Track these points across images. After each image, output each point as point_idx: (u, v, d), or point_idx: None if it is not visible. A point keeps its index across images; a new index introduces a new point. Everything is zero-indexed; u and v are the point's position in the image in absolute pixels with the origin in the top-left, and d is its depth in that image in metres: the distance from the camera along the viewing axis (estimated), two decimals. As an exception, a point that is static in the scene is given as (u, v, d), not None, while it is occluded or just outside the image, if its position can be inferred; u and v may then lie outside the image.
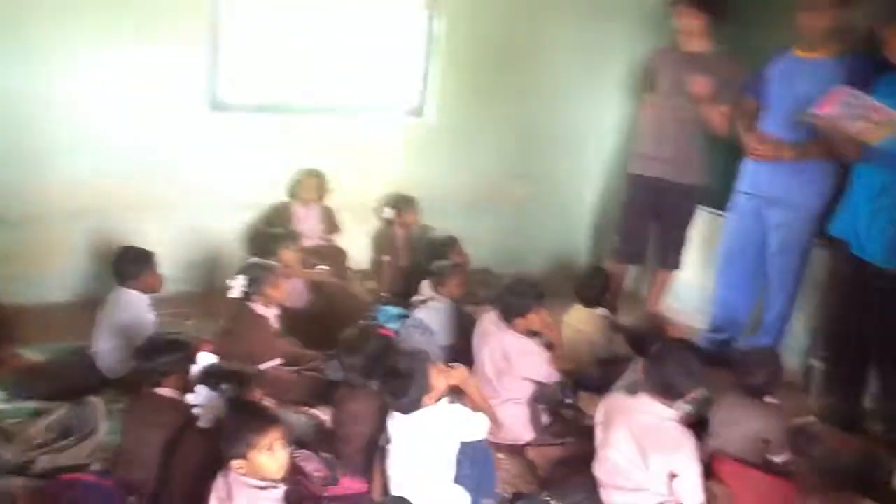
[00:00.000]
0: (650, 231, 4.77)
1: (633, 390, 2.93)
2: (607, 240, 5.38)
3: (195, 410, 2.73)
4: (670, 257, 4.74)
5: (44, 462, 2.99)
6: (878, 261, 3.34)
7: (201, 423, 2.70)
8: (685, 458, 2.74)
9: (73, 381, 3.57)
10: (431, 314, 4.06)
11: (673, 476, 2.74)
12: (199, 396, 2.73)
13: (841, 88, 3.23)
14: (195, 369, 2.82)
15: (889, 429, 3.50)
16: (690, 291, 5.09)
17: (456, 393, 3.02)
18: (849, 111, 3.21)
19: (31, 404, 3.43)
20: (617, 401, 2.95)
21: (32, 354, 3.88)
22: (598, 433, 2.95)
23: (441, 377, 2.84)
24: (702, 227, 4.85)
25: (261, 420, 2.51)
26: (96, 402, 3.31)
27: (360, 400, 3.02)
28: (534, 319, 3.44)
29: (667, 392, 2.79)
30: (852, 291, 3.53)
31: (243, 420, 2.49)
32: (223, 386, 2.75)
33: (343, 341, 3.12)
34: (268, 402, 3.00)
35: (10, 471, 2.95)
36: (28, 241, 4.46)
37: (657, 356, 2.86)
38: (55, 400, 3.41)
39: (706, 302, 4.70)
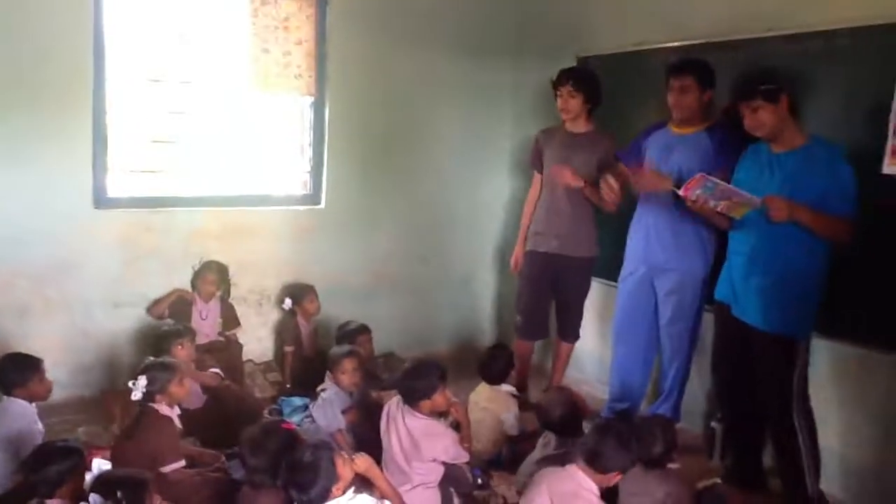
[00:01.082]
0: (550, 305, 4.88)
1: (555, 462, 2.97)
2: (509, 317, 5.47)
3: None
4: (570, 330, 4.86)
5: None
6: (755, 323, 3.52)
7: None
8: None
9: (-50, 501, 3.33)
10: (325, 403, 4.02)
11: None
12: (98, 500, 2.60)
13: (700, 175, 3.49)
14: (89, 478, 2.69)
15: (785, 485, 3.62)
16: (591, 362, 5.22)
17: (363, 482, 2.97)
18: (709, 194, 3.48)
19: None
20: (539, 469, 2.99)
21: None
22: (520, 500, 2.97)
23: (347, 466, 2.80)
24: (597, 297, 5.00)
25: None
26: (-22, 521, 3.09)
27: (264, 500, 2.92)
28: (438, 400, 3.44)
29: (600, 466, 2.85)
30: (737, 353, 3.70)
31: None
32: (119, 493, 2.62)
33: (245, 440, 3.03)
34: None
35: None
36: None
37: (599, 431, 2.93)
38: (-65, 523, 3.18)
39: (606, 371, 4.82)
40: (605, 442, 2.88)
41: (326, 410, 4.00)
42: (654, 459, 3.21)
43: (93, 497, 2.62)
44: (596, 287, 4.92)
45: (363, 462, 2.93)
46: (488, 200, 5.87)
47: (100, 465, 2.74)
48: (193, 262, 4.78)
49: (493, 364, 4.22)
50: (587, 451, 2.90)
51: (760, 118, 3.41)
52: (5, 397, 3.56)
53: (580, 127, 4.61)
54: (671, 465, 3.29)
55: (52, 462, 2.84)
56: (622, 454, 2.89)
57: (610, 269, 4.64)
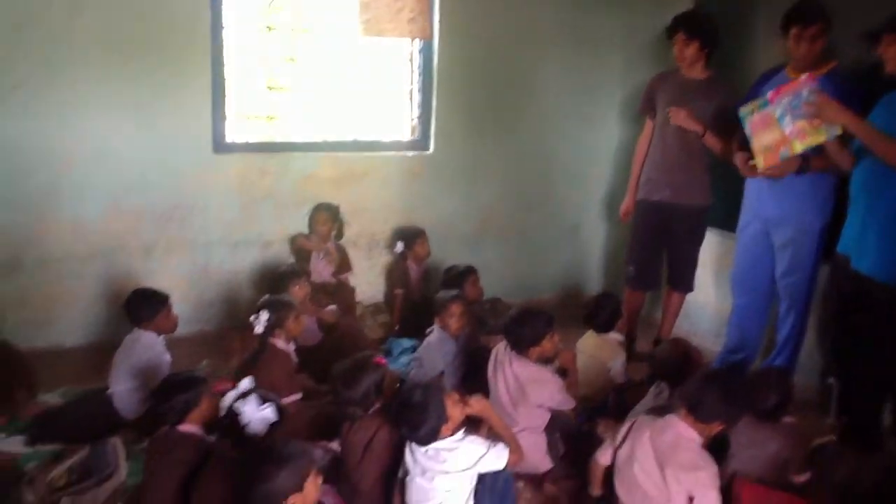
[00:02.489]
0: (662, 256, 4.79)
1: (659, 413, 2.93)
2: (619, 267, 5.40)
3: (243, 424, 2.77)
4: (683, 280, 4.76)
5: (66, 504, 3.01)
6: (873, 273, 3.35)
7: (250, 431, 2.77)
8: (703, 481, 2.73)
9: (91, 423, 3.59)
10: (431, 346, 4.09)
11: (691, 499, 2.73)
12: (247, 414, 2.77)
13: (805, 80, 3.33)
14: (230, 396, 2.86)
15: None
16: (703, 314, 5.10)
17: (473, 424, 3.02)
18: (792, 109, 3.36)
19: (52, 447, 3.46)
20: (640, 420, 2.95)
21: (50, 398, 3.92)
22: (620, 453, 2.94)
23: (457, 408, 2.85)
24: (712, 248, 4.86)
25: (307, 451, 2.54)
26: (116, 443, 3.33)
27: (362, 432, 3.02)
28: (546, 347, 3.45)
29: (700, 415, 2.80)
30: (855, 307, 3.53)
31: (296, 452, 2.49)
32: (266, 405, 2.78)
33: (338, 373, 3.13)
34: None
35: (34, 515, 2.98)
36: (43, 286, 4.52)
37: (702, 380, 2.88)
38: (75, 442, 3.43)
39: (720, 324, 4.71)
40: (707, 391, 2.80)
41: (432, 353, 4.07)
42: (767, 411, 3.13)
43: (246, 403, 2.79)
44: (710, 237, 4.78)
45: (478, 403, 2.96)
46: (596, 148, 5.75)
47: (246, 382, 2.89)
48: (306, 206, 4.92)
49: (600, 312, 4.18)
50: (688, 399, 2.84)
51: None
52: (135, 329, 3.80)
53: (697, 73, 4.45)
54: (786, 420, 3.20)
55: (179, 391, 3.01)
56: (724, 405, 2.80)
57: (725, 218, 4.50)
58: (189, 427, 2.97)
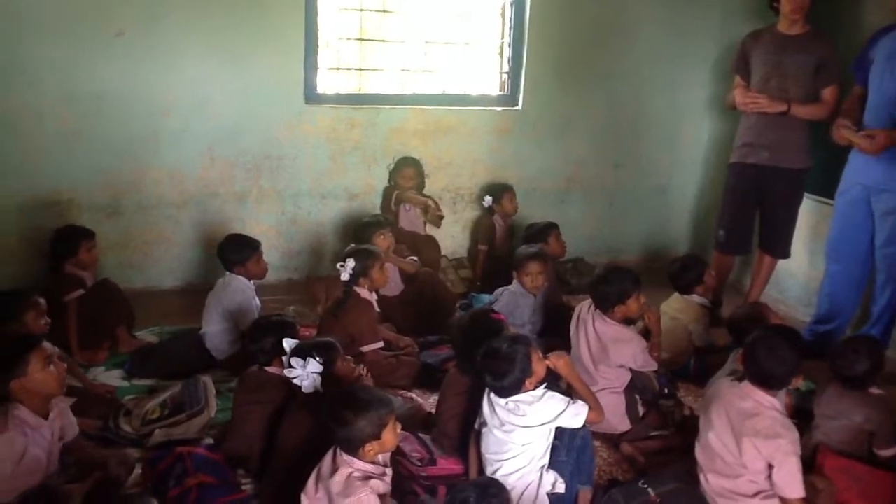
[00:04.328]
0: (754, 220, 4.64)
1: (737, 378, 2.87)
2: (707, 230, 5.27)
3: (294, 382, 2.84)
4: (777, 246, 4.59)
5: (159, 436, 3.17)
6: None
7: (305, 390, 2.82)
8: (784, 448, 2.66)
9: (184, 361, 3.76)
10: (507, 301, 4.08)
11: (770, 466, 2.68)
12: (295, 370, 2.84)
13: None
14: (296, 343, 2.93)
15: None
16: (794, 281, 4.94)
17: (554, 381, 3.02)
18: None
19: (147, 382, 3.66)
20: (719, 386, 2.90)
21: (146, 336, 4.11)
22: (701, 417, 2.90)
23: (541, 364, 2.85)
24: (808, 214, 4.68)
25: (386, 399, 2.58)
26: (206, 380, 3.47)
27: (463, 383, 3.07)
28: (632, 306, 3.40)
29: (764, 380, 2.73)
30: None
31: (375, 400, 2.53)
32: (313, 354, 2.84)
33: (455, 326, 3.16)
34: (367, 381, 3.09)
35: (129, 442, 3.14)
36: (141, 230, 4.72)
37: (755, 343, 2.79)
38: (168, 379, 3.61)
39: (810, 293, 4.56)
40: (763, 356, 2.73)
41: (508, 309, 4.06)
42: (855, 378, 3.02)
43: (293, 360, 2.86)
44: (806, 202, 4.59)
45: (559, 360, 2.96)
46: (689, 106, 5.57)
47: (290, 342, 2.96)
48: (393, 158, 4.96)
49: (685, 274, 4.10)
50: (749, 367, 2.77)
51: None
52: (227, 273, 3.93)
53: (795, 28, 4.25)
54: (873, 391, 3.08)
55: (269, 334, 3.11)
56: (782, 366, 2.68)
57: (823, 183, 4.33)
58: (275, 369, 3.07)
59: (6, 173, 4.36)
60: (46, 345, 2.76)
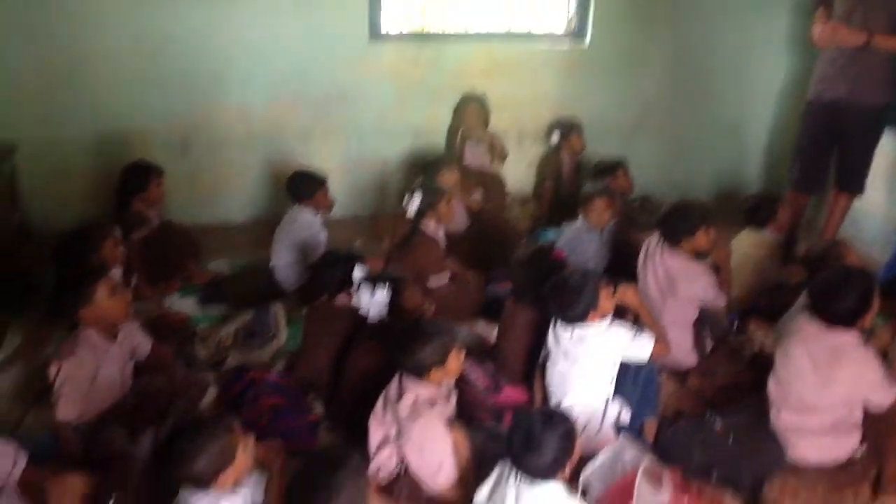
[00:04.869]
0: (831, 158, 4.47)
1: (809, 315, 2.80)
2: (781, 168, 5.10)
3: (361, 310, 2.89)
4: (853, 182, 4.42)
5: (233, 361, 3.28)
6: None
7: (372, 320, 2.86)
8: (868, 378, 2.62)
9: (254, 292, 3.86)
10: (572, 238, 4.05)
11: (851, 402, 2.64)
12: (363, 299, 2.89)
13: None
14: (363, 275, 2.97)
15: None
16: (871, 220, 4.76)
17: (621, 316, 3.01)
18: None
19: (220, 311, 3.76)
20: (798, 322, 2.83)
21: (218, 267, 4.23)
22: (777, 353, 2.85)
23: (609, 301, 2.83)
24: (886, 151, 4.49)
25: (450, 330, 2.64)
26: (277, 309, 3.56)
27: (525, 314, 3.08)
28: (701, 240, 3.34)
29: (833, 318, 2.66)
30: None
31: (440, 330, 2.59)
32: (382, 288, 2.88)
33: (516, 260, 3.17)
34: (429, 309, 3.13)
35: (205, 367, 3.26)
36: (211, 165, 4.81)
37: (825, 281, 2.72)
38: (240, 308, 3.70)
39: (888, 232, 4.40)
40: (832, 294, 2.65)
41: (573, 245, 4.04)
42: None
43: (362, 290, 2.90)
44: (885, 139, 4.40)
45: (627, 290, 2.94)
46: (764, 41, 5.33)
47: (360, 270, 3.00)
48: (457, 96, 4.91)
49: (759, 210, 3.98)
50: (820, 301, 2.70)
51: None
52: (295, 206, 3.99)
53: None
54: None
55: (337, 266, 3.17)
56: (854, 303, 2.61)
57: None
58: (343, 300, 3.12)
59: (79, 113, 4.48)
60: (112, 274, 2.88)
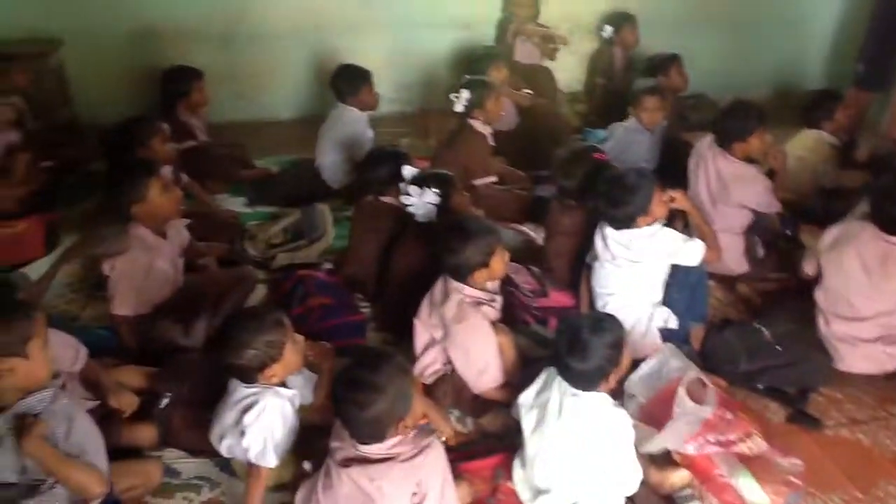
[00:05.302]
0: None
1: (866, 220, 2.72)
2: (845, 64, 4.86)
3: (409, 210, 2.88)
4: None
5: (282, 259, 3.34)
6: None
7: (418, 219, 2.88)
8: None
9: (301, 190, 3.87)
10: (622, 137, 3.95)
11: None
12: (412, 198, 2.87)
13: None
14: (409, 173, 2.95)
15: None
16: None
17: (669, 222, 2.95)
18: None
19: (268, 209, 3.79)
20: (852, 228, 2.76)
21: (266, 164, 4.23)
22: (823, 261, 2.79)
23: (661, 207, 2.77)
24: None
25: (494, 230, 2.62)
26: (324, 208, 3.58)
27: (571, 216, 3.04)
28: (754, 144, 3.23)
29: (887, 224, 2.58)
30: None
31: (483, 230, 2.57)
32: (432, 189, 2.86)
33: (557, 162, 3.10)
34: (477, 212, 3.11)
35: (254, 264, 3.31)
36: (254, 61, 4.76)
37: (883, 186, 2.62)
38: (287, 206, 3.73)
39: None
40: (888, 200, 2.55)
41: (623, 145, 3.94)
42: None
43: (411, 188, 2.89)
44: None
45: (679, 196, 2.88)
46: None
47: (409, 170, 2.97)
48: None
49: (817, 108, 3.83)
50: (881, 206, 2.60)
51: None
52: (340, 104, 3.94)
53: None
54: None
55: (384, 164, 3.15)
56: None
57: None
58: (389, 199, 3.12)
59: (120, 6, 4.41)
60: (165, 171, 2.88)
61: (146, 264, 2.76)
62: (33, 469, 1.89)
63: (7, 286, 3.02)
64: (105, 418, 2.26)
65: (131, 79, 4.55)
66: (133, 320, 2.75)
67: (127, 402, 2.38)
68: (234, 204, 3.86)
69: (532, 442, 2.19)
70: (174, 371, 2.54)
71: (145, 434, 2.38)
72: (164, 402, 2.43)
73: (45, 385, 1.94)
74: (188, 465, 2.38)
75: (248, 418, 2.13)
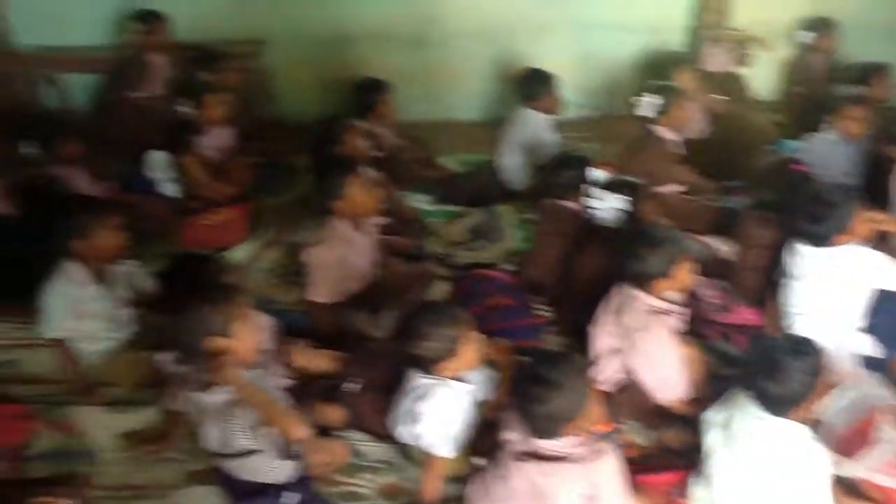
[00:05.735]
0: None
1: None
2: None
3: (596, 213, 2.87)
4: None
5: (463, 257, 3.42)
6: None
7: (605, 224, 2.86)
8: None
9: (482, 190, 3.94)
10: (820, 149, 3.71)
11: None
12: (600, 202, 2.87)
13: None
14: (594, 178, 2.94)
15: None
16: None
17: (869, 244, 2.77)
18: None
19: (450, 208, 3.89)
20: None
21: (449, 163, 4.35)
22: None
23: (864, 225, 2.62)
24: None
25: (680, 240, 2.57)
26: (504, 210, 3.64)
27: (764, 230, 2.93)
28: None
29: None
30: None
31: (668, 239, 2.53)
32: (621, 195, 2.84)
33: (755, 173, 3.00)
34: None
35: (435, 260, 3.43)
36: (442, 62, 4.86)
37: None
38: (468, 206, 3.81)
39: None
40: None
41: (822, 158, 3.70)
42: None
43: (598, 192, 2.88)
44: None
45: (885, 217, 2.71)
46: None
47: (598, 174, 2.96)
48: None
49: None
50: None
51: None
52: (523, 108, 3.97)
53: None
54: None
55: (567, 168, 3.16)
56: None
57: None
58: (571, 203, 3.12)
59: (320, 9, 4.62)
60: (364, 170, 3.03)
61: (341, 256, 2.92)
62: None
63: (214, 270, 3.28)
64: (300, 399, 2.42)
65: (327, 78, 4.76)
66: (327, 307, 2.92)
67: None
68: (417, 202, 3.98)
69: (717, 462, 2.14)
70: (364, 358, 2.67)
71: (335, 415, 2.53)
72: (349, 385, 2.56)
73: (252, 363, 2.11)
74: (373, 449, 2.51)
75: (422, 406, 2.22)
